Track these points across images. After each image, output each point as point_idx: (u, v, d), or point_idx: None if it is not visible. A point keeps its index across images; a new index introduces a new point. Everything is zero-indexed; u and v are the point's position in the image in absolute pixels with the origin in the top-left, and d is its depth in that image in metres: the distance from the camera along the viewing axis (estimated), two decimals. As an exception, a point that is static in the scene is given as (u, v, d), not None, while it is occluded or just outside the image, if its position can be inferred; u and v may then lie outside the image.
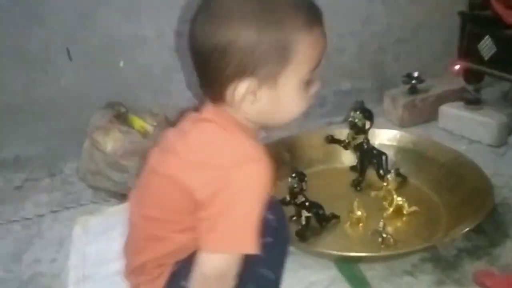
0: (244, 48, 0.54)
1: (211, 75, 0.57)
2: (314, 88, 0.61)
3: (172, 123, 1.13)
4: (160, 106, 1.23)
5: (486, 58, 1.29)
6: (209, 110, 0.61)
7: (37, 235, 1.02)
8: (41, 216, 1.08)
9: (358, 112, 1.05)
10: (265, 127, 0.64)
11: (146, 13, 1.23)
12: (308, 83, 0.59)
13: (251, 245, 0.56)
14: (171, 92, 1.31)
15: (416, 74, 1.41)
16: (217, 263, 0.57)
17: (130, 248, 0.69)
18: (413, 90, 1.42)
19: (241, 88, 0.56)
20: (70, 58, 1.18)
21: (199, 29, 0.57)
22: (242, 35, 0.54)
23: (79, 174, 1.13)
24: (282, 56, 0.55)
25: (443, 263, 0.86)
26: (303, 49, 0.56)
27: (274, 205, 0.65)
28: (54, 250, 0.96)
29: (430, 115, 1.41)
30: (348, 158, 1.15)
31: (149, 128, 1.13)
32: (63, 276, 0.88)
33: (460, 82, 1.43)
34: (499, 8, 1.21)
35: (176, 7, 1.21)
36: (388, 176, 1.01)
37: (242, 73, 0.55)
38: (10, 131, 1.22)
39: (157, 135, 1.07)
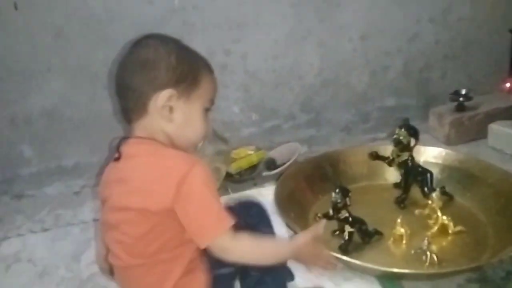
0: (171, 65, 0.69)
1: (140, 86, 0.69)
2: (209, 121, 0.75)
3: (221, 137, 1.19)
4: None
5: (538, 76, 1.26)
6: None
7: (94, 238, 1.09)
8: (97, 220, 1.15)
9: (403, 129, 1.06)
10: (178, 146, 0.73)
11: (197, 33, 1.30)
12: (206, 112, 0.74)
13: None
14: (219, 106, 1.37)
15: (463, 91, 1.39)
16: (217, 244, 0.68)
17: None
18: (460, 108, 1.40)
19: (163, 96, 0.68)
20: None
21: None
22: (172, 57, 0.70)
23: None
24: (193, 79, 0.71)
25: (490, 285, 0.84)
26: (206, 82, 0.73)
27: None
28: (109, 253, 1.02)
29: (478, 133, 1.38)
30: (392, 175, 1.15)
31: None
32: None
33: (510, 100, 1.39)
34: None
35: (225, 27, 1.27)
36: (433, 194, 1.00)
37: (165, 85, 0.69)
38: (71, 141, 1.33)
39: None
